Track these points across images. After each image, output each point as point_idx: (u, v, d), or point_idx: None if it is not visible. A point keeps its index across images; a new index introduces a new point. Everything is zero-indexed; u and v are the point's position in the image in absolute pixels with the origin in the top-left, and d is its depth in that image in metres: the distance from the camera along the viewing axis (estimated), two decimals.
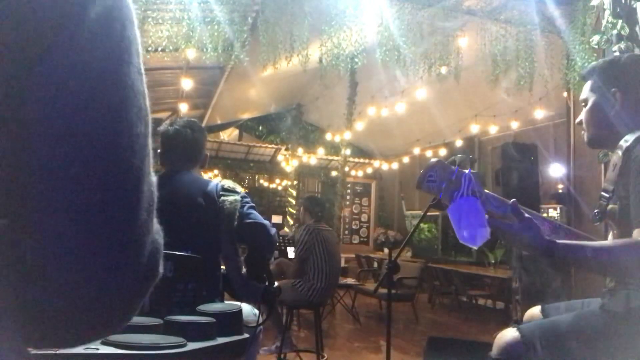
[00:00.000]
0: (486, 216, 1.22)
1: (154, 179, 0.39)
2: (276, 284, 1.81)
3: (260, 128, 11.41)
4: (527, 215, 1.20)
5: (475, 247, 1.20)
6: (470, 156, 1.29)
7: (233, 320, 1.33)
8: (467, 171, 1.19)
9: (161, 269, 0.40)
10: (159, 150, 1.92)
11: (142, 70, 0.38)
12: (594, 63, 1.53)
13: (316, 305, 3.87)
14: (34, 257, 0.32)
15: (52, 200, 0.32)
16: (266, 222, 1.84)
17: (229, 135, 11.51)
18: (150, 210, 0.38)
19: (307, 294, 3.76)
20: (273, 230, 1.85)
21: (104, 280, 0.34)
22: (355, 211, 11.84)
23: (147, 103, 0.38)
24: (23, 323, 0.34)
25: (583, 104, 1.50)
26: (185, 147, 1.90)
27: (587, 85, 1.49)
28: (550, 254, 1.18)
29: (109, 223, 0.34)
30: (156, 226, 0.40)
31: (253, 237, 1.81)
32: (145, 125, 0.37)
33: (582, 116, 1.49)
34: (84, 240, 0.33)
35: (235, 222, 1.76)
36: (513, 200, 1.23)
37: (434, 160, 1.21)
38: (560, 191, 6.59)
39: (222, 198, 1.79)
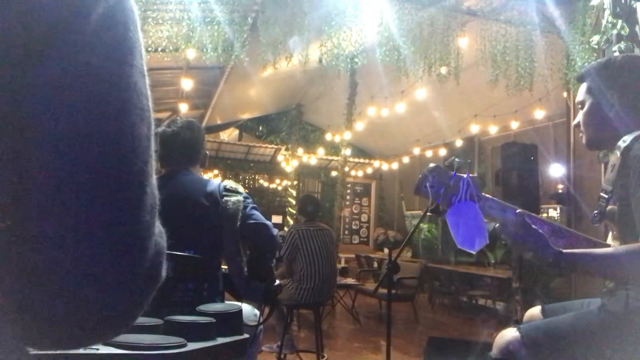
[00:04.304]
0: (497, 225, 1.23)
1: (155, 180, 0.39)
2: (277, 282, 1.81)
3: (260, 128, 11.41)
4: (534, 226, 1.21)
5: (473, 252, 1.21)
6: (468, 160, 1.29)
7: (233, 321, 1.33)
8: (465, 175, 1.19)
9: (164, 272, 0.39)
10: (158, 152, 1.91)
11: (145, 72, 0.38)
12: (589, 65, 1.53)
13: (312, 305, 3.88)
14: (35, 260, 0.32)
15: (53, 202, 0.32)
16: (269, 222, 1.85)
17: (229, 135, 11.50)
18: (152, 212, 0.37)
19: (295, 293, 3.77)
20: (275, 231, 1.86)
21: (106, 283, 0.34)
22: (355, 211, 11.84)
23: (150, 105, 0.38)
24: (25, 326, 0.34)
25: (579, 106, 1.49)
26: (184, 147, 1.90)
27: (583, 87, 1.48)
28: (558, 264, 1.19)
29: (110, 226, 0.34)
30: (159, 228, 0.39)
31: (256, 237, 1.81)
32: (148, 127, 0.37)
33: (579, 118, 1.49)
34: (86, 243, 0.33)
35: (238, 223, 1.77)
36: (519, 210, 1.23)
37: (431, 165, 1.21)
38: (560, 191, 6.59)
39: (225, 198, 1.79)
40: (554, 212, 6.76)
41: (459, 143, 8.54)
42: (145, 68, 0.38)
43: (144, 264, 0.36)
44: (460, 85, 4.95)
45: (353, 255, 9.63)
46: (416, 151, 9.58)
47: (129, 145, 0.35)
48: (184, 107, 6.95)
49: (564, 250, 1.20)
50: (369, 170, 11.78)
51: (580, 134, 1.51)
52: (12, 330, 0.34)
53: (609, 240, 1.45)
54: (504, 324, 3.53)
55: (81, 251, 0.33)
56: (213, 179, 2.36)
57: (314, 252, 3.85)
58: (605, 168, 1.46)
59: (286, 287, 3.77)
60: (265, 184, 11.56)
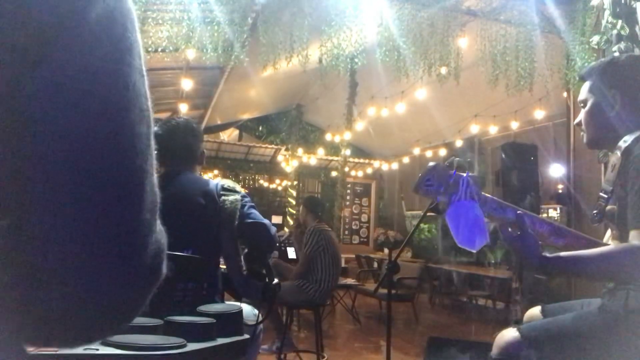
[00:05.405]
0: (494, 224, 1.24)
1: (156, 179, 0.39)
2: (276, 280, 1.81)
3: (260, 128, 11.41)
4: (529, 230, 1.22)
5: (474, 251, 1.21)
6: (468, 159, 1.29)
7: (233, 321, 1.33)
8: (465, 174, 1.19)
9: (165, 270, 0.40)
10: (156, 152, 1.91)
11: (144, 72, 0.38)
12: (592, 64, 1.53)
13: (319, 305, 3.87)
14: (35, 258, 0.32)
15: (53, 201, 0.32)
16: (267, 221, 1.84)
17: (229, 135, 11.51)
18: (153, 210, 0.38)
19: (314, 294, 3.75)
20: (274, 230, 1.86)
21: (106, 281, 0.34)
22: (355, 211, 11.84)
23: (149, 104, 0.38)
24: (25, 324, 0.34)
25: (582, 105, 1.50)
26: (181, 147, 1.89)
27: (586, 86, 1.49)
28: (545, 270, 1.21)
29: (111, 224, 0.34)
30: (160, 227, 0.39)
31: (254, 236, 1.81)
32: (147, 126, 0.37)
33: (580, 117, 1.49)
34: (86, 241, 0.33)
35: (236, 222, 1.77)
36: (519, 212, 1.24)
37: (431, 163, 1.21)
38: (560, 191, 6.60)
39: (223, 198, 1.79)
40: (554, 212, 6.76)
41: (459, 143, 8.55)
42: (144, 68, 0.38)
43: (145, 261, 0.36)
44: (460, 85, 4.95)
45: (353, 256, 9.62)
46: (416, 151, 9.58)
47: (128, 144, 0.35)
48: (184, 107, 6.95)
49: (550, 255, 1.21)
50: (369, 170, 11.78)
51: (582, 133, 1.51)
52: (13, 328, 0.34)
53: (609, 240, 1.45)
54: (504, 324, 3.53)
55: (82, 249, 0.33)
56: (212, 179, 2.36)
57: (333, 253, 3.87)
58: (605, 168, 1.46)
59: (300, 288, 3.74)
60: (265, 184, 11.57)
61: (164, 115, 7.87)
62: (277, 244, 4.82)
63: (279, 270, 4.53)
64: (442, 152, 9.04)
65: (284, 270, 4.45)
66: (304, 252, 3.87)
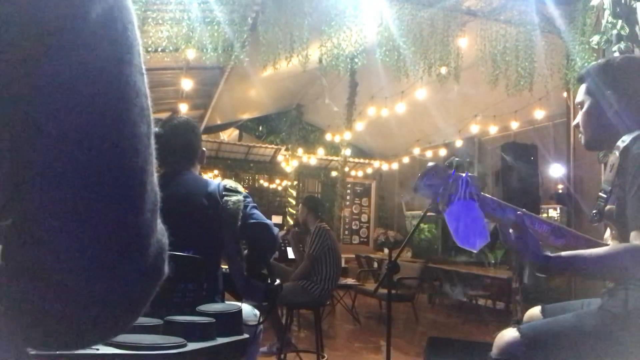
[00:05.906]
0: (494, 224, 1.24)
1: (156, 178, 0.39)
2: (278, 281, 1.81)
3: (260, 128, 11.42)
4: (530, 231, 1.22)
5: (474, 251, 1.21)
6: (467, 159, 1.29)
7: (233, 321, 1.33)
8: (464, 174, 1.19)
9: (166, 269, 0.39)
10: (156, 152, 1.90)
11: (144, 71, 0.38)
12: (588, 66, 1.54)
13: (320, 304, 3.87)
14: (37, 259, 0.32)
15: (54, 201, 0.32)
16: (269, 221, 1.84)
17: (229, 135, 11.51)
18: (154, 210, 0.38)
19: (320, 294, 3.74)
20: (276, 230, 1.85)
21: (108, 281, 0.34)
22: (355, 211, 11.84)
23: (149, 103, 0.38)
24: (26, 325, 0.34)
25: (579, 106, 1.50)
26: (180, 147, 1.89)
27: (582, 88, 1.49)
28: (545, 269, 1.21)
29: (112, 223, 0.34)
30: (160, 226, 0.39)
31: (257, 237, 1.81)
32: (147, 125, 0.37)
33: (578, 119, 1.50)
34: (87, 241, 0.33)
35: (239, 223, 1.76)
36: (519, 212, 1.24)
37: (430, 164, 1.21)
38: (560, 191, 6.60)
39: (225, 198, 1.79)
40: (554, 212, 6.76)
41: (459, 143, 8.55)
42: (143, 67, 0.38)
43: (146, 261, 0.36)
44: (460, 85, 4.95)
45: (353, 256, 9.62)
46: (416, 151, 9.59)
47: (128, 144, 0.35)
48: (184, 107, 6.95)
49: (551, 255, 1.21)
50: (369, 170, 11.78)
51: (580, 135, 1.51)
52: (14, 331, 0.34)
53: (608, 240, 1.45)
54: (504, 324, 3.54)
55: (82, 249, 0.33)
56: (213, 179, 2.36)
57: (336, 252, 3.87)
58: (605, 168, 1.46)
59: (305, 288, 3.72)
60: (265, 184, 11.57)
61: (164, 115, 7.86)
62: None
63: (275, 271, 4.51)
64: (442, 152, 9.04)
65: (280, 271, 4.43)
66: (310, 252, 3.83)
